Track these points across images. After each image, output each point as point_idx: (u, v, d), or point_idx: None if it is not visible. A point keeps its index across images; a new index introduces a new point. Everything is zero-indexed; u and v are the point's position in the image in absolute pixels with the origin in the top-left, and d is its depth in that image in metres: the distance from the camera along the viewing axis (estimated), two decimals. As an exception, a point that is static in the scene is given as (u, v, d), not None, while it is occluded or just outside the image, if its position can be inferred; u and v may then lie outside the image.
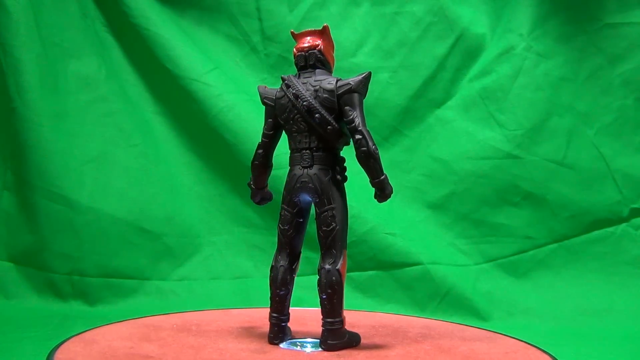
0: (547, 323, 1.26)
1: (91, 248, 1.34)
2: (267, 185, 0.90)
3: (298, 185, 0.82)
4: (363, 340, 0.86)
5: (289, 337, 0.85)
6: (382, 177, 0.80)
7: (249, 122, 1.41)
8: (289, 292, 0.84)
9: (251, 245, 1.45)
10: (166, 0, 1.48)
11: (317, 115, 0.80)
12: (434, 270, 1.35)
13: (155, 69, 1.46)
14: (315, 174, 0.82)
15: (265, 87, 0.87)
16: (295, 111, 0.82)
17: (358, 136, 0.80)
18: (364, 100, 0.83)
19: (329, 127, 0.81)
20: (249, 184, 0.89)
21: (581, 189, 1.40)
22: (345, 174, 0.84)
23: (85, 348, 0.78)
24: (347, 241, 0.83)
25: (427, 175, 1.45)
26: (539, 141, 1.42)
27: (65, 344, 0.79)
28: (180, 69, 1.44)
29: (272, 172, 1.25)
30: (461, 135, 1.45)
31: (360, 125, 0.80)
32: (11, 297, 1.31)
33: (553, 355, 0.82)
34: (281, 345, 0.82)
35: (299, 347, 0.83)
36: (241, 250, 1.45)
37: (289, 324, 0.85)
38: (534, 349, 0.86)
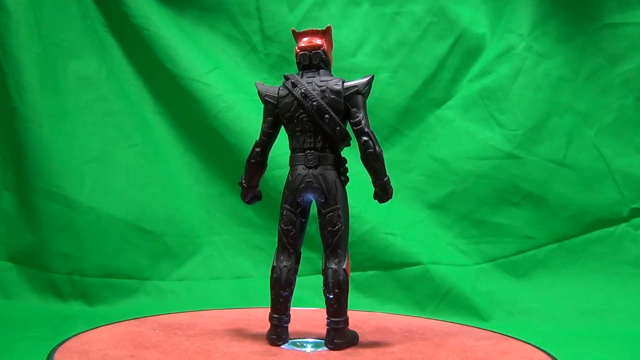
0: (547, 323, 1.26)
1: (91, 248, 1.34)
2: (258, 185, 0.89)
3: (303, 185, 0.82)
4: (365, 340, 0.86)
5: (288, 338, 0.85)
6: (386, 179, 0.83)
7: (249, 122, 1.41)
8: (291, 293, 0.83)
9: (251, 245, 1.45)
10: (166, 0, 1.48)
11: (327, 115, 0.80)
12: (434, 270, 1.35)
13: (155, 69, 1.46)
14: (321, 174, 0.82)
15: (263, 84, 0.87)
16: (301, 110, 0.82)
17: (365, 138, 0.81)
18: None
19: (337, 128, 0.81)
20: (240, 183, 0.88)
21: (581, 189, 1.40)
22: (347, 174, 0.85)
23: (86, 348, 0.78)
24: (348, 241, 0.84)
25: (427, 175, 1.45)
26: (539, 141, 1.42)
27: (65, 344, 0.79)
28: (180, 69, 1.44)
29: (273, 172, 1.25)
30: (461, 135, 1.45)
31: (366, 127, 0.82)
32: (11, 297, 1.31)
33: (553, 355, 0.82)
34: (283, 347, 0.82)
35: (299, 347, 0.83)
36: (241, 250, 1.45)
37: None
38: (534, 349, 0.86)
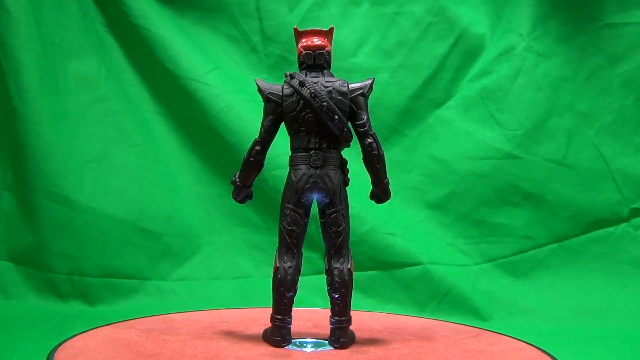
0: (547, 323, 1.26)
1: (91, 248, 1.34)
2: (252, 184, 0.87)
3: (308, 185, 0.81)
4: (367, 340, 0.87)
5: (291, 339, 0.84)
6: (386, 180, 0.85)
7: (249, 122, 1.41)
8: (295, 294, 0.83)
9: (251, 245, 1.45)
10: (166, 0, 1.48)
11: (336, 117, 0.81)
12: (434, 270, 1.35)
13: (155, 69, 1.46)
14: (327, 174, 0.82)
15: (263, 81, 0.85)
16: (308, 110, 0.81)
17: (369, 140, 0.83)
18: None
19: (345, 129, 0.82)
20: (234, 182, 0.86)
21: (581, 189, 1.40)
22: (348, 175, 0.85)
23: (86, 348, 0.78)
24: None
25: (427, 175, 1.45)
26: (539, 141, 1.42)
27: (65, 344, 0.79)
28: (180, 69, 1.44)
29: (272, 172, 1.25)
30: (461, 135, 1.45)
31: (371, 128, 0.84)
32: (11, 297, 1.31)
33: (553, 355, 0.82)
34: (288, 348, 0.82)
35: (299, 347, 0.83)
36: (241, 250, 1.45)
37: None
38: (534, 349, 0.86)
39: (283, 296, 0.81)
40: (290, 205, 0.82)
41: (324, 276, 0.85)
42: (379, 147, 0.84)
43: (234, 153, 1.41)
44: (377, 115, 1.45)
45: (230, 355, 0.78)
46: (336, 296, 0.82)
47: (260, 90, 0.85)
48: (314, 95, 0.81)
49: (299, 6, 1.48)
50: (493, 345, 0.88)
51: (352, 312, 0.84)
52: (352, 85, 0.83)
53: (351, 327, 0.84)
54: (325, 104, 0.80)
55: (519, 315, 1.30)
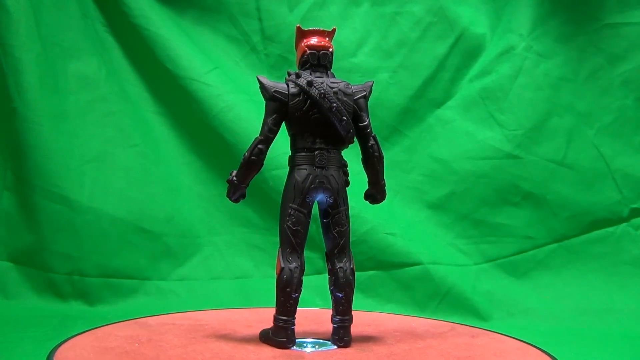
0: (547, 323, 1.26)
1: (91, 248, 1.34)
2: (248, 184, 0.85)
3: (314, 185, 0.81)
4: (369, 339, 0.87)
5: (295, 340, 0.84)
6: (384, 182, 0.86)
7: (249, 122, 1.41)
8: (300, 294, 0.82)
9: (251, 245, 1.45)
10: (166, 0, 1.48)
11: (344, 118, 0.81)
12: (434, 270, 1.35)
13: (155, 69, 1.46)
14: (332, 174, 0.82)
15: (266, 78, 0.84)
16: (315, 110, 0.81)
17: (372, 141, 0.84)
18: None
19: (351, 130, 0.82)
20: (231, 180, 0.83)
21: (581, 189, 1.40)
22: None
23: (86, 348, 0.78)
24: None
25: (427, 175, 1.45)
26: (539, 141, 1.42)
27: (65, 344, 0.79)
28: (180, 69, 1.44)
29: (272, 172, 1.25)
30: (461, 135, 1.45)
31: (372, 130, 0.84)
32: (11, 297, 1.31)
33: (553, 355, 0.82)
34: (294, 349, 0.81)
35: (299, 347, 0.83)
36: (241, 250, 1.45)
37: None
38: (534, 349, 0.87)
39: (289, 297, 0.80)
40: (294, 205, 0.81)
41: (324, 276, 0.85)
42: (379, 148, 0.85)
43: (234, 153, 1.41)
44: (377, 115, 1.45)
45: (241, 356, 0.76)
46: (340, 295, 0.82)
47: (264, 88, 0.83)
48: (323, 96, 0.81)
49: (299, 6, 1.48)
50: (493, 345, 0.88)
51: (352, 312, 0.85)
52: (355, 87, 0.84)
53: (353, 328, 0.85)
54: (335, 104, 0.80)
55: (519, 315, 1.30)
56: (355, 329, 0.85)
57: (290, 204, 0.81)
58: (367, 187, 0.88)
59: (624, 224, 1.39)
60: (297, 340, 0.84)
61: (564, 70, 1.43)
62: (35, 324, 1.12)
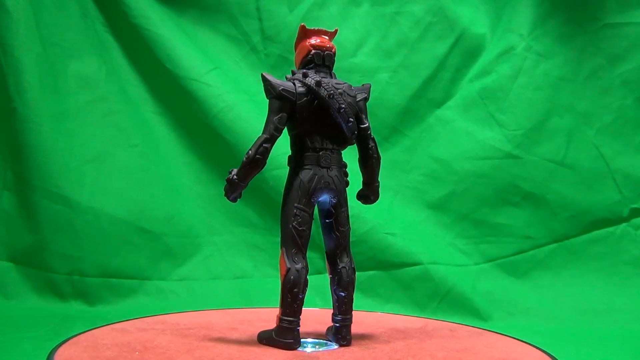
0: (547, 323, 1.26)
1: (91, 248, 1.34)
2: (248, 183, 0.83)
3: (320, 185, 0.81)
4: (369, 338, 0.87)
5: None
6: (378, 183, 0.87)
7: (249, 122, 1.41)
8: (305, 295, 0.82)
9: (251, 245, 1.45)
10: (166, 0, 1.48)
11: (351, 119, 0.81)
12: (434, 270, 1.35)
13: (155, 69, 1.46)
14: (336, 175, 0.82)
15: (271, 75, 0.83)
16: (322, 111, 0.81)
17: (372, 143, 0.85)
18: None
19: (355, 132, 0.82)
20: (231, 179, 0.80)
21: (581, 189, 1.40)
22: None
23: (86, 348, 0.78)
24: None
25: (427, 175, 1.45)
26: (539, 141, 1.42)
27: (65, 344, 0.79)
28: (180, 69, 1.44)
29: (272, 172, 1.25)
30: (461, 135, 1.45)
31: (371, 132, 0.85)
32: (11, 297, 1.31)
33: (553, 355, 0.82)
34: (300, 350, 0.81)
35: (301, 347, 0.83)
36: (241, 250, 1.45)
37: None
38: (534, 349, 0.87)
39: (296, 298, 0.79)
40: (300, 206, 0.80)
41: (324, 276, 0.85)
42: (378, 150, 0.86)
43: (234, 153, 1.41)
44: (377, 115, 1.45)
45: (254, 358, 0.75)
46: (343, 295, 0.83)
47: (271, 86, 0.81)
48: (332, 96, 0.80)
49: (299, 6, 1.48)
50: (493, 345, 0.88)
51: (353, 313, 0.85)
52: (357, 90, 0.85)
53: (353, 327, 0.85)
54: (344, 106, 0.80)
55: (519, 315, 1.30)
56: (355, 328, 0.86)
57: (296, 204, 0.80)
58: (361, 188, 0.88)
59: (624, 224, 1.39)
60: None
61: (564, 70, 1.43)
62: (35, 324, 1.12)
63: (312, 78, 0.81)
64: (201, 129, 1.46)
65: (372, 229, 1.37)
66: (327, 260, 0.85)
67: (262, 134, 0.80)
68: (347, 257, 0.84)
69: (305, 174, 0.81)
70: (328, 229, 0.84)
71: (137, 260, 1.37)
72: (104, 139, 1.41)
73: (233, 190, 0.81)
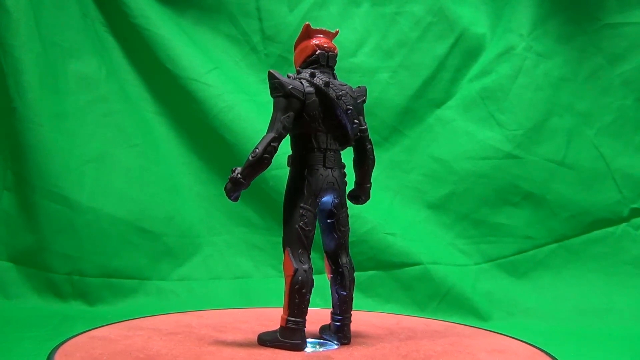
0: (547, 323, 1.26)
1: (91, 248, 1.34)
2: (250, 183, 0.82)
3: (325, 186, 0.81)
4: (368, 339, 0.87)
5: None
6: (370, 184, 0.89)
7: (249, 122, 1.41)
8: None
9: (251, 245, 1.45)
10: (166, 0, 1.48)
11: (356, 120, 0.81)
12: (434, 270, 1.35)
13: (155, 69, 1.46)
14: (339, 175, 0.83)
15: (279, 73, 0.81)
16: (329, 111, 0.81)
17: (369, 145, 0.86)
18: None
19: (358, 133, 0.83)
20: (236, 179, 0.78)
21: (581, 189, 1.40)
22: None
23: (85, 348, 0.78)
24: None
25: (427, 175, 1.45)
26: (539, 141, 1.42)
27: (65, 344, 0.79)
28: (180, 69, 1.44)
29: (273, 172, 1.25)
30: (461, 135, 1.45)
31: (369, 134, 0.86)
32: (11, 297, 1.31)
33: (553, 355, 0.82)
34: (307, 350, 0.80)
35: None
36: (241, 250, 1.45)
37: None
38: (534, 349, 0.87)
39: (304, 298, 0.79)
40: (307, 206, 0.80)
41: (323, 276, 0.85)
42: (373, 152, 0.87)
43: (234, 153, 1.41)
44: (377, 115, 1.45)
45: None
46: (345, 293, 0.83)
47: (280, 84, 0.79)
48: (340, 97, 0.81)
49: (299, 6, 1.48)
50: (493, 345, 0.88)
51: (352, 312, 0.86)
52: (357, 92, 0.85)
53: (353, 327, 0.85)
54: (350, 107, 0.81)
55: (519, 315, 1.30)
56: (355, 328, 0.86)
57: (302, 204, 0.80)
58: (353, 188, 0.89)
59: (624, 224, 1.39)
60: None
61: (564, 70, 1.43)
62: (35, 324, 1.12)
63: (320, 78, 0.81)
64: (201, 129, 1.46)
65: (372, 229, 1.37)
66: (328, 260, 0.85)
67: (270, 132, 0.78)
68: (347, 256, 0.85)
69: (311, 174, 0.81)
70: (329, 229, 0.84)
71: (137, 260, 1.37)
72: (104, 139, 1.41)
73: (236, 190, 0.79)
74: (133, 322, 0.95)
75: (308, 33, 0.85)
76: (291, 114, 0.79)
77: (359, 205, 0.90)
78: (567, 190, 1.41)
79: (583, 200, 1.40)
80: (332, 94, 0.80)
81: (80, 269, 1.33)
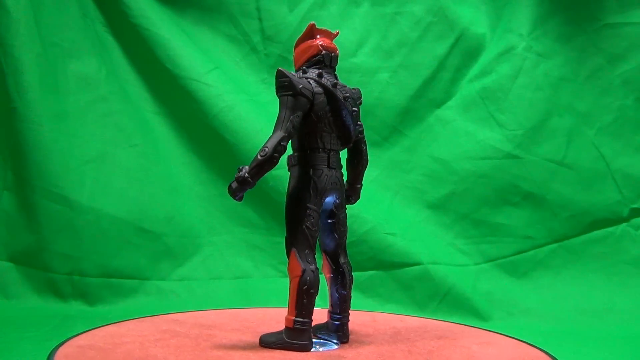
0: (547, 323, 1.26)
1: (91, 248, 1.34)
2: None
3: (330, 186, 0.81)
4: (367, 339, 0.88)
5: None
6: (361, 184, 0.90)
7: (249, 122, 1.41)
8: None
9: (251, 245, 1.45)
10: (166, 0, 1.48)
11: (359, 122, 0.82)
12: (434, 270, 1.35)
13: (155, 69, 1.46)
14: (340, 176, 0.84)
15: (288, 71, 0.80)
16: (335, 111, 0.81)
17: (364, 146, 0.87)
18: None
19: (359, 134, 0.84)
20: (244, 178, 0.76)
21: (581, 189, 1.40)
22: None
23: (86, 348, 0.78)
24: (347, 241, 0.88)
25: (427, 175, 1.45)
26: (539, 141, 1.42)
27: (65, 344, 0.79)
28: (180, 69, 1.44)
29: (273, 172, 1.25)
30: (461, 135, 1.45)
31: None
32: (11, 297, 1.31)
33: (553, 355, 0.82)
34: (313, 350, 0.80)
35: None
36: (241, 250, 1.45)
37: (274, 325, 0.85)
38: (534, 349, 0.87)
39: (312, 299, 0.78)
40: (313, 206, 0.80)
41: (322, 276, 0.85)
42: (367, 154, 0.89)
43: (234, 153, 1.41)
44: (377, 115, 1.45)
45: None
46: (345, 292, 0.84)
47: (290, 83, 0.78)
48: (347, 98, 0.81)
49: (299, 6, 1.48)
50: (492, 345, 0.88)
51: (352, 312, 0.86)
52: (355, 93, 0.86)
53: (353, 327, 0.86)
54: (355, 108, 0.81)
55: (519, 315, 1.30)
56: (356, 328, 0.86)
57: (309, 204, 0.79)
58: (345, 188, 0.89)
59: (624, 224, 1.39)
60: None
61: (564, 70, 1.43)
62: (35, 324, 1.12)
63: (327, 79, 0.81)
64: (201, 129, 1.46)
65: (372, 229, 1.37)
66: (328, 259, 0.85)
67: (278, 131, 0.77)
68: (346, 256, 0.86)
69: (317, 174, 0.81)
70: (330, 229, 0.84)
71: (137, 260, 1.37)
72: (104, 139, 1.41)
73: (242, 189, 0.77)
74: (133, 322, 0.95)
75: (312, 33, 0.85)
76: (300, 113, 0.78)
77: (350, 205, 0.91)
78: (567, 190, 1.41)
79: (583, 200, 1.40)
80: (340, 95, 0.81)
81: (81, 269, 1.33)
